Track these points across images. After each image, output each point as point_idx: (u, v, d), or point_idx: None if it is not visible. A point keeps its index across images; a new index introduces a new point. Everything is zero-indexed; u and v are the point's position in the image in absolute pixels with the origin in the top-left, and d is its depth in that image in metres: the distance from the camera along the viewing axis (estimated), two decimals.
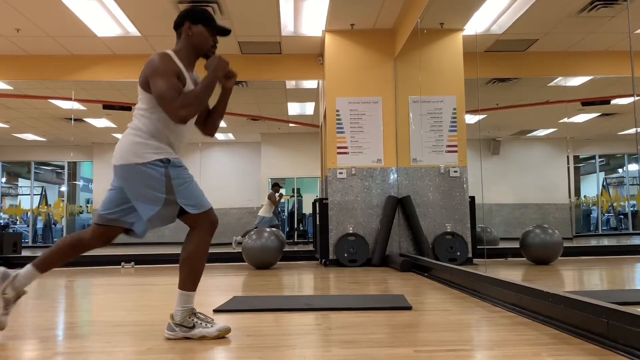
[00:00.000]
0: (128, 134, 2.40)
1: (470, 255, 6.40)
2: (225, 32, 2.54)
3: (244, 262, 6.51)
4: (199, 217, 2.39)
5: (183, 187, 2.37)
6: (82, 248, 2.49)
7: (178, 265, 2.39)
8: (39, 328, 2.74)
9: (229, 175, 13.98)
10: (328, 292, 4.24)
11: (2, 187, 15.58)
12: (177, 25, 2.52)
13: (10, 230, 13.45)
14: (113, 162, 2.42)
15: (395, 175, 6.79)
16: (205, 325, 2.37)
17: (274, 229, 7.23)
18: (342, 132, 6.81)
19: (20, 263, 7.23)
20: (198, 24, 2.46)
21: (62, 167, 14.84)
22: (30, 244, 13.79)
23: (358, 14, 6.49)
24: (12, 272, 2.45)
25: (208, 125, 2.61)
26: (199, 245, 2.39)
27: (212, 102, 2.60)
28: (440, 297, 3.66)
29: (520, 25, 6.34)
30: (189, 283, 2.38)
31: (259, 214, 10.99)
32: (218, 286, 4.63)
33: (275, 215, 11.05)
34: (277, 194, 10.76)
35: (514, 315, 2.88)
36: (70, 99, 8.92)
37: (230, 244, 10.82)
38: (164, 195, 2.34)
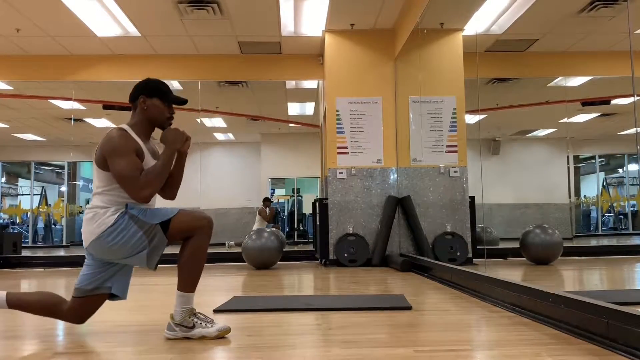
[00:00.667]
0: (87, 219, 2.38)
1: (470, 255, 6.40)
2: (182, 102, 2.53)
3: (244, 262, 6.51)
4: (191, 223, 2.38)
5: (149, 213, 2.37)
6: (57, 314, 2.47)
7: (176, 265, 2.39)
8: (39, 328, 2.74)
9: (229, 175, 13.97)
10: (328, 292, 4.24)
11: (2, 187, 15.58)
12: (132, 99, 2.48)
13: (10, 231, 13.46)
14: (84, 247, 2.41)
15: (395, 175, 6.79)
16: (205, 325, 2.37)
17: (274, 229, 7.23)
18: (342, 132, 6.81)
19: (20, 263, 7.27)
20: (153, 97, 2.44)
21: (62, 167, 14.84)
22: (30, 244, 13.78)
23: (358, 14, 6.49)
24: None
25: (167, 190, 2.56)
26: (196, 247, 2.38)
27: None
28: (440, 297, 3.66)
29: (520, 25, 6.34)
30: (187, 284, 2.38)
31: (253, 229, 10.96)
32: (218, 286, 4.63)
33: (274, 221, 11.01)
34: (267, 209, 10.70)
35: (514, 315, 2.88)
36: (70, 99, 8.92)
37: (224, 244, 10.82)
38: (141, 233, 2.33)
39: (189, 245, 2.38)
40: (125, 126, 2.42)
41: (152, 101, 2.45)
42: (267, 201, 10.89)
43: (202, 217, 2.39)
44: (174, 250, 2.40)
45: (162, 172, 2.37)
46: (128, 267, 2.53)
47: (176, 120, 2.55)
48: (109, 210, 2.35)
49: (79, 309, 2.44)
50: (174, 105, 2.52)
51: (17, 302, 2.47)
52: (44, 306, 2.47)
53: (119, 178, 2.30)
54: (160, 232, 2.34)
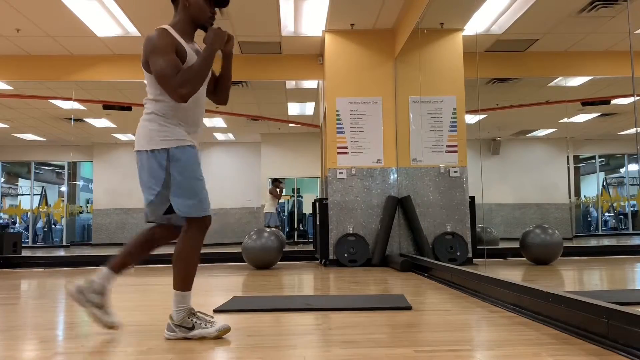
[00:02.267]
0: (142, 120, 2.39)
1: (470, 255, 6.40)
2: (224, 2, 2.50)
3: (244, 262, 6.51)
4: (190, 218, 2.38)
5: (179, 186, 2.34)
6: (155, 243, 2.51)
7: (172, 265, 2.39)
8: (39, 328, 2.74)
9: (229, 175, 13.97)
10: (328, 292, 4.24)
11: (2, 187, 15.58)
12: None
13: (10, 230, 13.46)
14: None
15: (395, 176, 6.79)
16: (205, 325, 2.36)
17: (274, 229, 7.23)
18: (342, 132, 6.80)
19: (20, 263, 7.27)
20: None
21: (62, 167, 14.85)
22: (30, 244, 13.79)
23: (358, 14, 6.49)
24: (85, 282, 2.45)
25: (219, 93, 2.57)
26: (187, 244, 2.37)
27: (216, 69, 2.57)
28: (440, 297, 3.66)
29: (520, 25, 6.34)
30: (181, 283, 2.37)
31: (264, 211, 11.11)
32: (218, 286, 4.63)
33: (277, 213, 11.15)
34: (277, 189, 10.88)
35: (514, 315, 2.88)
36: (70, 99, 8.93)
37: (231, 244, 10.87)
38: (158, 189, 2.34)
39: (183, 242, 2.38)
40: (166, 26, 2.40)
41: None
42: (276, 181, 11.06)
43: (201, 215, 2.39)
44: (173, 250, 2.40)
45: (201, 71, 2.32)
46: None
47: None
48: (161, 131, 2.33)
49: (165, 234, 2.48)
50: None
51: (120, 264, 2.48)
52: (141, 242, 2.50)
53: (157, 77, 2.28)
54: (165, 206, 2.35)
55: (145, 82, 2.41)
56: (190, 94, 2.29)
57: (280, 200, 11.21)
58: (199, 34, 2.45)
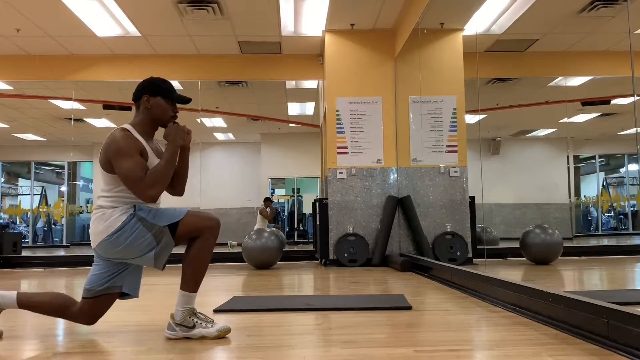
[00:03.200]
0: (95, 219, 2.38)
1: (470, 255, 6.40)
2: (185, 101, 2.53)
3: (244, 262, 6.51)
4: (199, 224, 2.38)
5: (157, 215, 2.37)
6: (68, 315, 2.46)
7: (180, 265, 2.39)
8: (39, 328, 2.74)
9: (229, 175, 13.97)
10: (328, 292, 4.24)
11: (2, 187, 15.58)
12: (136, 98, 2.47)
13: (10, 231, 13.45)
14: (93, 247, 2.41)
15: (395, 175, 6.79)
16: (206, 325, 2.37)
17: (274, 229, 7.23)
18: (342, 132, 6.80)
19: (20, 263, 7.26)
20: (157, 96, 2.44)
21: (62, 167, 14.84)
22: (30, 244, 13.78)
23: (358, 14, 6.49)
24: None
25: (175, 186, 2.56)
26: (202, 247, 2.38)
27: None
28: (440, 297, 3.66)
29: (520, 25, 6.34)
30: (190, 284, 2.38)
31: (255, 228, 11.04)
32: (218, 286, 4.63)
33: (274, 221, 11.05)
34: (268, 209, 10.75)
35: (514, 315, 2.88)
36: (70, 99, 8.92)
37: (227, 244, 10.86)
38: (149, 235, 2.34)
39: (195, 246, 2.38)
40: (127, 126, 2.41)
41: (155, 100, 2.44)
42: (267, 201, 10.94)
43: (210, 218, 2.40)
44: (174, 250, 2.40)
45: (167, 170, 2.36)
46: (138, 266, 2.53)
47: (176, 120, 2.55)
48: (116, 210, 2.35)
49: (90, 310, 2.43)
50: (177, 105, 2.52)
51: (27, 303, 2.46)
52: (54, 307, 2.46)
53: (125, 179, 2.30)
54: (168, 234, 2.34)
55: (102, 181, 2.40)
56: (159, 193, 2.34)
57: (269, 222, 11.03)
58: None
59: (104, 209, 2.37)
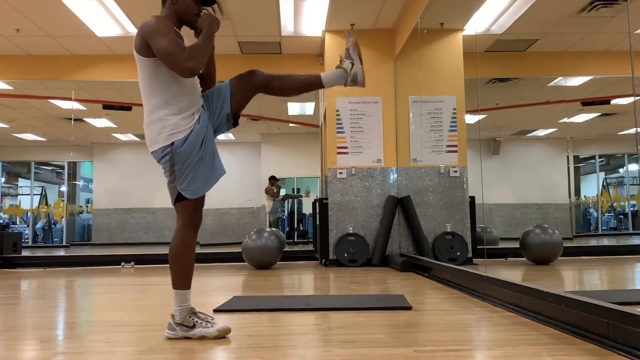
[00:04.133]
0: (146, 117, 2.42)
1: (470, 255, 6.40)
2: (211, 2, 2.55)
3: (244, 262, 6.51)
4: (180, 208, 2.40)
5: (185, 174, 2.38)
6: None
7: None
8: (39, 328, 2.74)
9: (229, 175, 13.81)
10: (328, 292, 4.24)
11: (2, 187, 15.58)
12: None
13: (10, 230, 13.45)
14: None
15: (395, 175, 6.79)
16: (206, 325, 2.37)
17: (274, 229, 7.23)
18: (342, 132, 6.80)
19: (20, 263, 7.27)
20: None
21: (62, 167, 14.84)
22: (30, 244, 13.78)
23: (358, 14, 6.49)
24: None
25: (207, 81, 2.64)
26: (180, 243, 2.40)
27: None
28: (440, 297, 3.66)
29: (520, 25, 6.34)
30: (178, 282, 2.40)
31: (267, 211, 11.26)
32: (218, 286, 4.63)
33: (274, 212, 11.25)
34: (273, 187, 10.96)
35: (513, 315, 2.88)
36: (70, 99, 8.92)
37: (231, 244, 10.91)
38: (170, 179, 2.40)
39: (174, 241, 2.40)
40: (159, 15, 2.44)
41: None
42: (273, 179, 11.13)
43: (195, 216, 2.42)
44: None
45: (205, 47, 2.37)
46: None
47: None
48: (166, 124, 2.36)
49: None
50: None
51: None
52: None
53: (163, 55, 2.29)
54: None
55: (139, 74, 2.41)
56: (197, 68, 2.33)
57: (277, 199, 11.27)
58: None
59: (156, 109, 2.38)
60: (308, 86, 2.58)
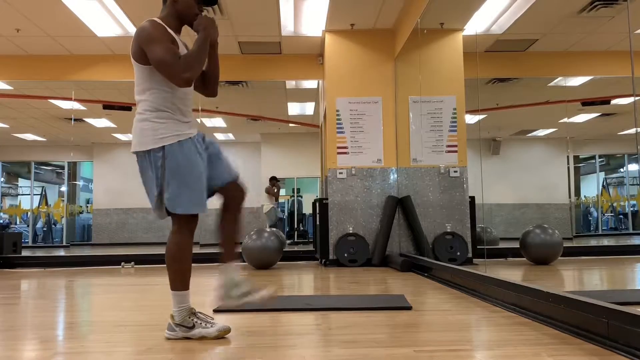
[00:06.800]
0: (136, 120, 2.38)
1: (470, 255, 6.40)
2: (212, 2, 2.53)
3: (244, 262, 6.51)
4: (174, 216, 2.38)
5: (169, 183, 2.33)
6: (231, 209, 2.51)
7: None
8: (39, 328, 2.74)
9: None
10: (328, 292, 4.24)
11: (2, 187, 15.58)
12: None
13: (10, 230, 13.45)
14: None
15: (395, 175, 6.79)
16: (205, 325, 2.37)
17: (274, 229, 7.23)
18: (342, 132, 6.80)
19: (20, 263, 7.27)
20: None
21: (62, 167, 14.84)
22: (30, 244, 13.78)
23: (358, 14, 6.49)
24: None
25: (208, 86, 2.57)
26: (176, 244, 2.38)
27: None
28: (440, 297, 3.66)
29: (520, 25, 6.34)
30: (176, 283, 2.38)
31: (264, 212, 11.25)
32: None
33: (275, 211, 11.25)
34: (273, 187, 10.97)
35: (514, 315, 2.88)
36: (70, 99, 8.92)
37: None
38: (156, 193, 2.34)
39: (170, 242, 2.38)
40: (156, 18, 2.41)
41: None
42: (273, 179, 11.14)
43: (189, 216, 2.39)
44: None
45: (200, 55, 2.35)
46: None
47: None
48: (156, 127, 2.32)
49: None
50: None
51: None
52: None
53: (159, 63, 2.27)
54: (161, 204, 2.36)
55: (135, 77, 2.39)
56: (193, 77, 2.31)
57: (278, 200, 11.28)
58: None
59: (147, 112, 2.34)
60: (227, 240, 2.50)
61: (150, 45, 2.28)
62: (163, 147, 2.32)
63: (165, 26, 2.39)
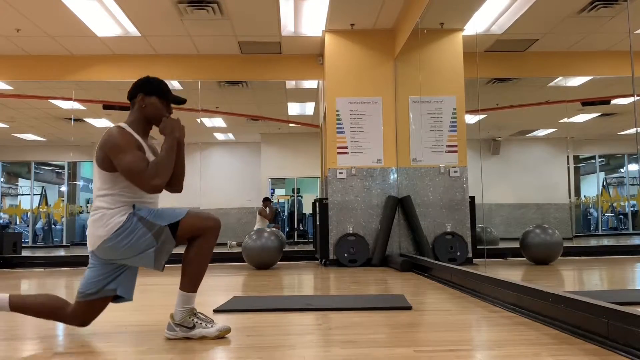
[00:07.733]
0: (93, 220, 2.36)
1: (470, 255, 6.40)
2: (180, 102, 2.53)
3: (244, 262, 6.51)
4: (199, 224, 2.37)
5: (157, 214, 2.36)
6: (60, 318, 2.44)
7: (179, 265, 2.38)
8: (39, 328, 2.73)
9: (229, 175, 13.96)
10: (328, 292, 4.24)
11: (2, 187, 15.57)
12: (131, 97, 2.48)
13: (10, 231, 13.45)
14: (90, 249, 2.40)
15: (395, 175, 6.79)
16: (205, 325, 2.37)
17: (274, 229, 7.23)
18: (342, 132, 6.80)
19: (20, 263, 7.27)
20: (152, 95, 2.44)
21: (62, 167, 14.84)
22: (30, 244, 13.78)
23: (358, 14, 6.49)
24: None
25: (174, 184, 2.55)
26: (203, 247, 2.37)
27: None
28: (440, 297, 3.66)
29: (520, 25, 6.34)
30: (190, 285, 2.38)
31: (254, 229, 11.04)
32: (218, 286, 4.63)
33: (274, 221, 11.05)
34: (267, 209, 10.72)
35: (514, 315, 2.88)
36: (70, 99, 8.92)
37: (226, 244, 10.83)
38: (149, 234, 2.32)
39: (196, 246, 2.37)
40: (123, 124, 2.42)
41: (150, 100, 2.44)
42: (266, 201, 10.92)
43: (210, 218, 2.39)
44: (177, 250, 2.40)
45: (168, 160, 2.35)
46: (133, 268, 2.51)
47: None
48: (116, 210, 2.34)
49: (83, 313, 2.42)
50: (172, 105, 2.53)
51: (19, 305, 2.45)
52: (47, 310, 2.45)
53: (127, 172, 2.28)
54: (168, 233, 2.33)
55: (95, 181, 2.39)
56: (163, 184, 2.32)
57: (271, 222, 10.99)
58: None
59: (102, 210, 2.35)
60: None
61: (117, 154, 2.28)
62: (127, 215, 2.33)
63: (133, 132, 2.39)
